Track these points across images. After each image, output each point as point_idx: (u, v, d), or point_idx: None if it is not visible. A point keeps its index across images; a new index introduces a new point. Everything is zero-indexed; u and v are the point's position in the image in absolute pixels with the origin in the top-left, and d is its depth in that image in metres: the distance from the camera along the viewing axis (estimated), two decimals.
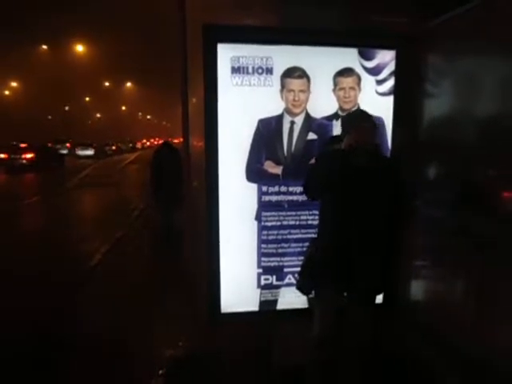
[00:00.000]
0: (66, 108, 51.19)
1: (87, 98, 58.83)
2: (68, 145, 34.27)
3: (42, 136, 32.28)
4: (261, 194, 2.53)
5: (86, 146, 32.82)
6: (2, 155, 19.60)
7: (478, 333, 2.18)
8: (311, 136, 2.53)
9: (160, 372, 2.70)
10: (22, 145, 20.59)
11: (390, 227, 2.13)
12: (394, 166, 2.22)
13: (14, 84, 44.84)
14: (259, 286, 2.62)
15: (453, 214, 2.45)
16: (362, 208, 2.06)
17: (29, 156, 19.31)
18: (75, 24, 46.73)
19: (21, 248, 6.09)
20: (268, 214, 2.55)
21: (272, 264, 2.61)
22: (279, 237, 2.58)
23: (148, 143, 66.10)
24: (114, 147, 38.36)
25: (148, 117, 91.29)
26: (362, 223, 2.07)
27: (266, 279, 2.62)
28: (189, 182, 2.66)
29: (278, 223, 2.57)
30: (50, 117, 50.15)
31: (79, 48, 47.89)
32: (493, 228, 2.11)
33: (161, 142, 6.92)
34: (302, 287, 2.25)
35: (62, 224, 8.10)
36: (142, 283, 4.44)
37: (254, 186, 2.52)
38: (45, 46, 45.71)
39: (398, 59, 2.57)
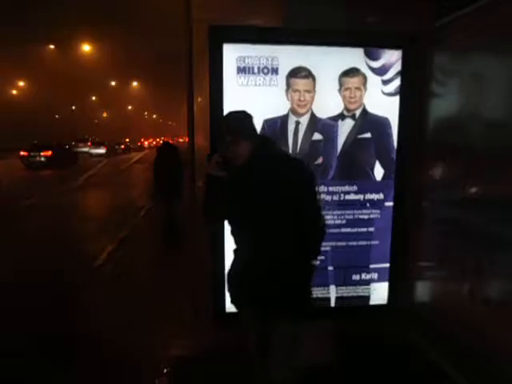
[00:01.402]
0: (73, 107, 51.54)
1: (94, 98, 59.22)
2: (89, 144, 36.57)
3: (50, 135, 32.63)
4: None
5: (98, 145, 35.17)
6: (23, 153, 21.19)
7: (482, 332, 2.17)
8: (316, 136, 2.53)
9: (164, 371, 2.71)
10: (41, 143, 22.01)
11: (297, 236, 1.86)
12: (284, 165, 1.87)
13: (21, 83, 45.21)
14: None
15: (458, 214, 2.43)
16: (256, 222, 1.84)
17: (47, 154, 20.86)
18: (81, 23, 46.99)
19: (23, 247, 6.14)
20: None
21: None
22: None
23: (154, 142, 66.82)
24: (122, 146, 40.33)
25: (154, 116, 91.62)
26: (260, 237, 1.86)
27: None
28: (193, 181, 2.66)
29: None
30: (57, 116, 50.50)
31: (86, 48, 48.17)
32: (499, 228, 2.09)
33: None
34: (233, 301, 2.13)
35: (71, 222, 8.17)
36: (146, 283, 4.45)
37: None
38: (52, 46, 46.01)
39: (404, 59, 2.56)
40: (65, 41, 45.97)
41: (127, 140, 48.74)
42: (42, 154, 20.78)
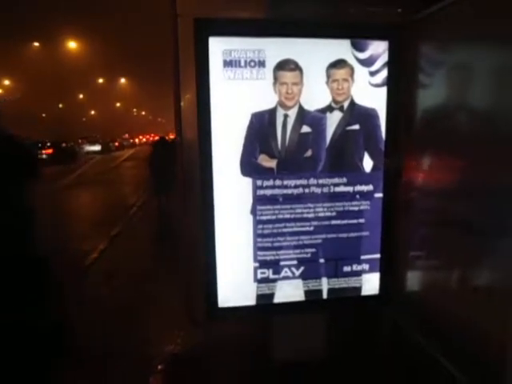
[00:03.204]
0: (60, 105, 50.87)
1: (81, 95, 58.47)
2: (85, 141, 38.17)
3: (38, 133, 32.27)
4: (255, 187, 2.52)
5: (93, 142, 36.79)
6: None
7: (473, 320, 2.19)
8: (305, 129, 2.52)
9: (158, 368, 2.70)
10: (44, 142, 23.80)
11: None
12: None
13: (6, 82, 44.43)
14: (256, 279, 2.62)
15: (447, 204, 2.45)
16: None
17: (48, 152, 22.45)
18: (66, 21, 46.24)
19: None
20: (263, 207, 2.55)
21: (268, 258, 2.61)
22: (275, 230, 2.58)
23: (144, 139, 67.14)
24: (116, 143, 42.10)
25: (143, 113, 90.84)
26: None
27: (262, 273, 2.62)
28: (182, 177, 2.64)
29: (274, 217, 2.57)
30: (44, 114, 49.78)
31: (72, 45, 47.45)
32: (488, 219, 2.11)
33: (156, 138, 8.03)
34: None
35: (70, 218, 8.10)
36: (138, 282, 4.44)
37: (248, 180, 2.51)
38: (36, 43, 45.23)
39: (391, 50, 2.56)
40: (49, 37, 45.24)
41: (126, 135, 51.16)
42: (43, 152, 21.95)
